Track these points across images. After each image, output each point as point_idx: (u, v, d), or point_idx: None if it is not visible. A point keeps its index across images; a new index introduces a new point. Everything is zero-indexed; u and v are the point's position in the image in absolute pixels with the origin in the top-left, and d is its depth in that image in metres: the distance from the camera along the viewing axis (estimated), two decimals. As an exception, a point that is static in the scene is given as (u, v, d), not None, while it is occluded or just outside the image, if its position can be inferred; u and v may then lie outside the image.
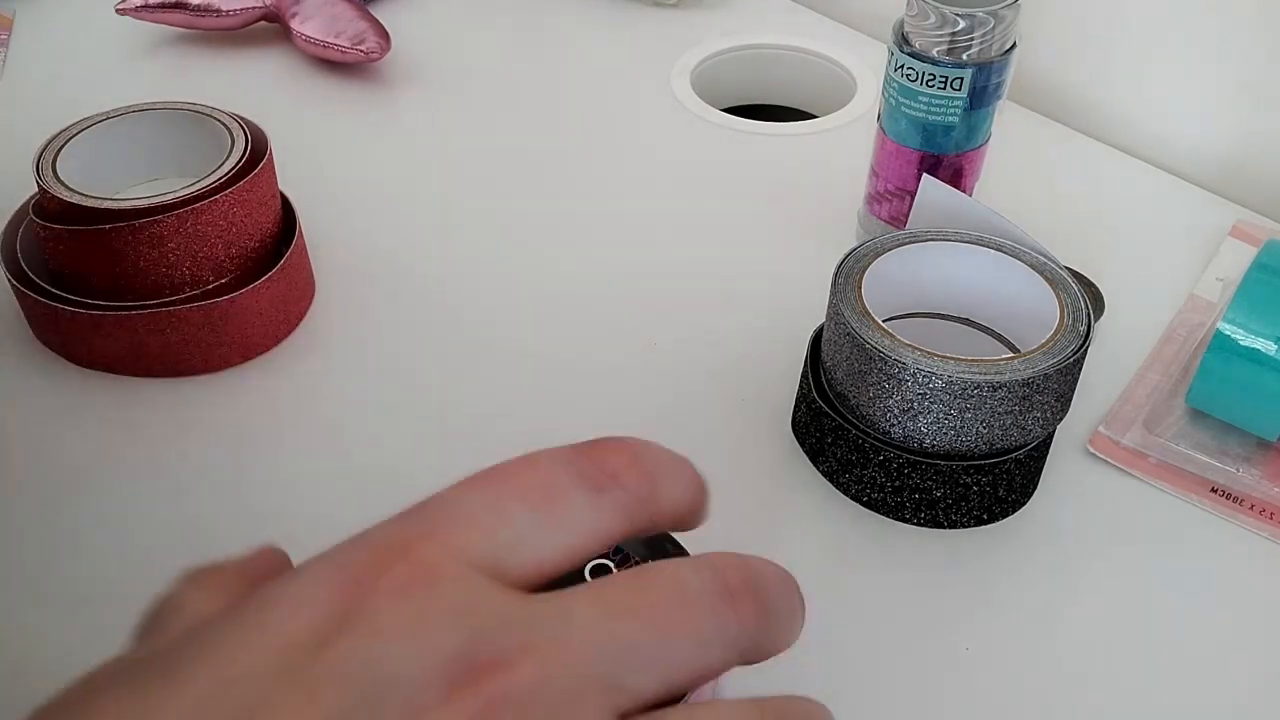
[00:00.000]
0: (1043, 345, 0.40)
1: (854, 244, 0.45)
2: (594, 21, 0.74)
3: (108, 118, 0.50)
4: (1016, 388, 0.39)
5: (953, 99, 0.48)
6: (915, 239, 0.44)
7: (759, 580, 0.25)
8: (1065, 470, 0.44)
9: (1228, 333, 0.42)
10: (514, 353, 0.49)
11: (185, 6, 0.68)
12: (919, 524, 0.42)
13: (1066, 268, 0.44)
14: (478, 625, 0.22)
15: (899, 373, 0.39)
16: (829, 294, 0.42)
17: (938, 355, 0.39)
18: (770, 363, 0.49)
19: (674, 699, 0.23)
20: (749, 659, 0.24)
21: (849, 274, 0.43)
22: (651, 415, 0.47)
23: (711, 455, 0.45)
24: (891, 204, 0.52)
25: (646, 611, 0.23)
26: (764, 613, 0.24)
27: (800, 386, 0.45)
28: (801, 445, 0.45)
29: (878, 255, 0.43)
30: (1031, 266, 0.43)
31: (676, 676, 0.23)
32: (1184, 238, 0.56)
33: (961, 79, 0.47)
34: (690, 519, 0.27)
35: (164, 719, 0.20)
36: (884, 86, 0.50)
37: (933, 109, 0.48)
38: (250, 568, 0.27)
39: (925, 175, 0.46)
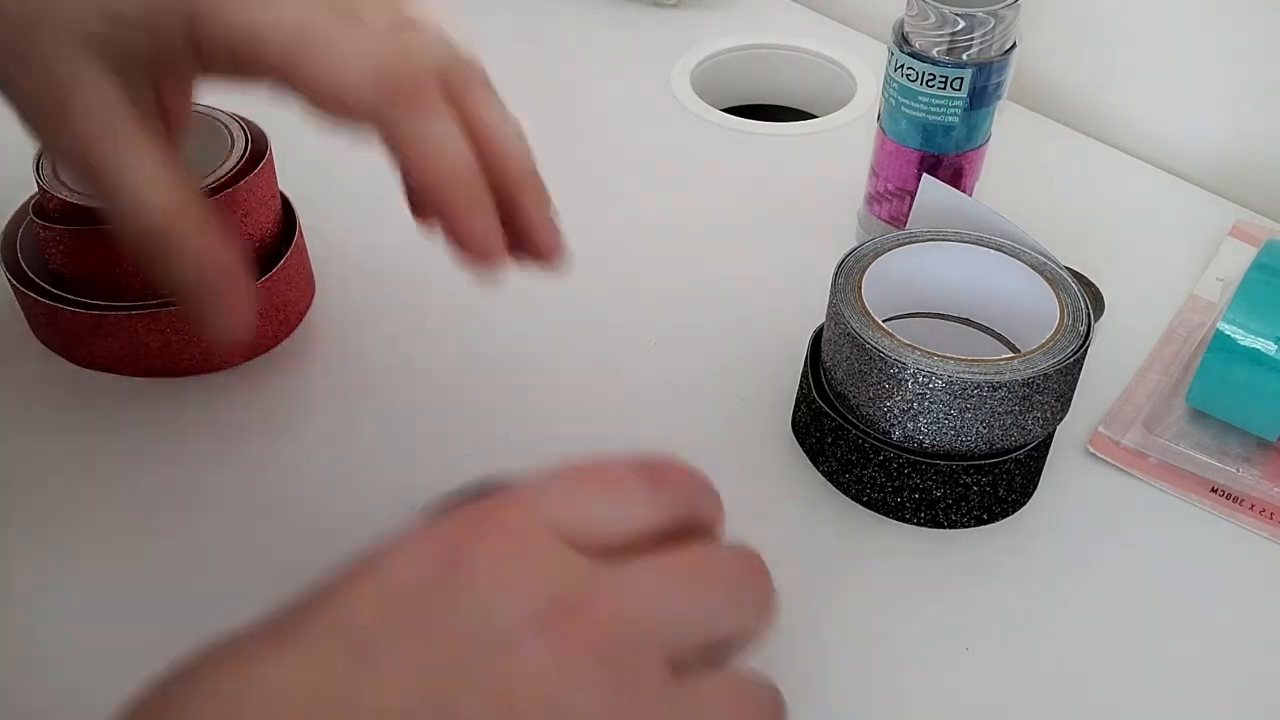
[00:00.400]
0: (1043, 345, 0.40)
1: (854, 244, 0.45)
2: (594, 21, 0.74)
3: (108, 118, 0.50)
4: (1016, 388, 0.39)
5: (953, 99, 0.48)
6: (915, 239, 0.44)
7: (761, 562, 0.30)
8: (1065, 470, 0.44)
9: (1228, 333, 0.42)
10: (514, 352, 0.49)
11: (185, 6, 0.68)
12: (919, 524, 0.42)
13: (1066, 268, 0.44)
14: (561, 575, 0.26)
15: (899, 373, 0.39)
16: (829, 294, 0.42)
17: (938, 355, 0.39)
18: (770, 363, 0.49)
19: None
20: (760, 628, 0.29)
21: (849, 274, 0.43)
22: (651, 415, 0.47)
23: (711, 455, 0.45)
24: (891, 204, 0.52)
25: (692, 576, 0.28)
26: (770, 587, 0.29)
27: (800, 386, 0.45)
28: (801, 445, 0.45)
29: (878, 255, 0.43)
30: (1031, 266, 0.43)
31: (716, 631, 0.28)
32: (1184, 238, 0.56)
33: (961, 79, 0.47)
34: (716, 529, 0.31)
35: (285, 659, 0.24)
36: (884, 86, 0.50)
37: (933, 109, 0.48)
38: None
39: (925, 175, 0.46)
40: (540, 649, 0.25)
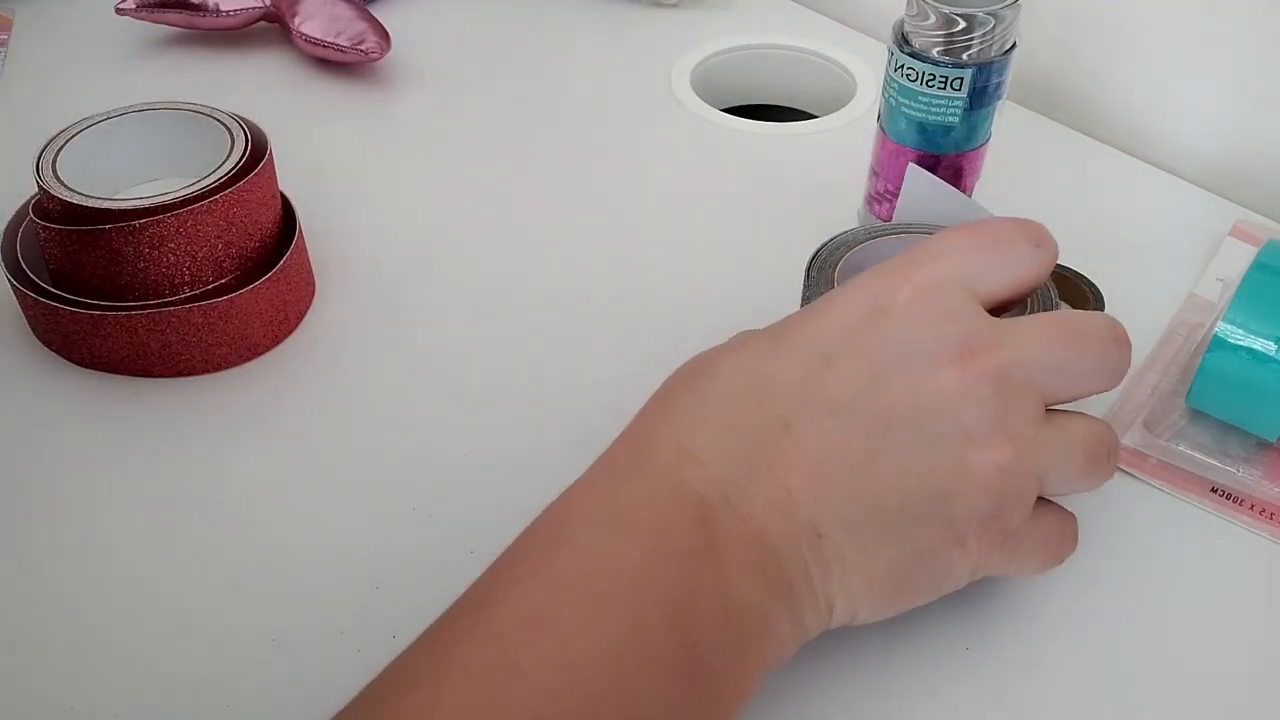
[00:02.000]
0: None
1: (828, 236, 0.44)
2: (594, 21, 0.74)
3: (108, 118, 0.50)
4: None
5: (953, 99, 0.48)
6: (890, 231, 0.44)
7: (1123, 331, 0.36)
8: (1065, 470, 0.44)
9: (1227, 333, 0.42)
10: (514, 352, 0.49)
11: (185, 6, 0.68)
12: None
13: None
14: (970, 323, 0.34)
15: None
16: (802, 287, 0.42)
17: None
18: (770, 363, 0.49)
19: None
20: (1111, 387, 0.36)
21: (822, 267, 0.43)
22: (651, 415, 0.46)
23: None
24: (891, 204, 0.52)
25: (1073, 337, 0.35)
26: (1128, 354, 0.36)
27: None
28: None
29: (851, 248, 0.43)
30: None
31: (1082, 385, 0.35)
32: (1184, 238, 0.56)
33: (961, 79, 0.47)
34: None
35: (772, 359, 0.35)
36: (884, 86, 0.50)
37: (932, 109, 0.48)
38: None
39: (910, 165, 0.46)
40: (951, 375, 0.33)
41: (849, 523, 0.32)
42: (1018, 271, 0.36)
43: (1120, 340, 0.36)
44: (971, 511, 0.33)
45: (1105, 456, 0.36)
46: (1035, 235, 0.37)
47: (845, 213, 0.56)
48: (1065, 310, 0.37)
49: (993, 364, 0.33)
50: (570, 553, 0.31)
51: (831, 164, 0.61)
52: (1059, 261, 0.43)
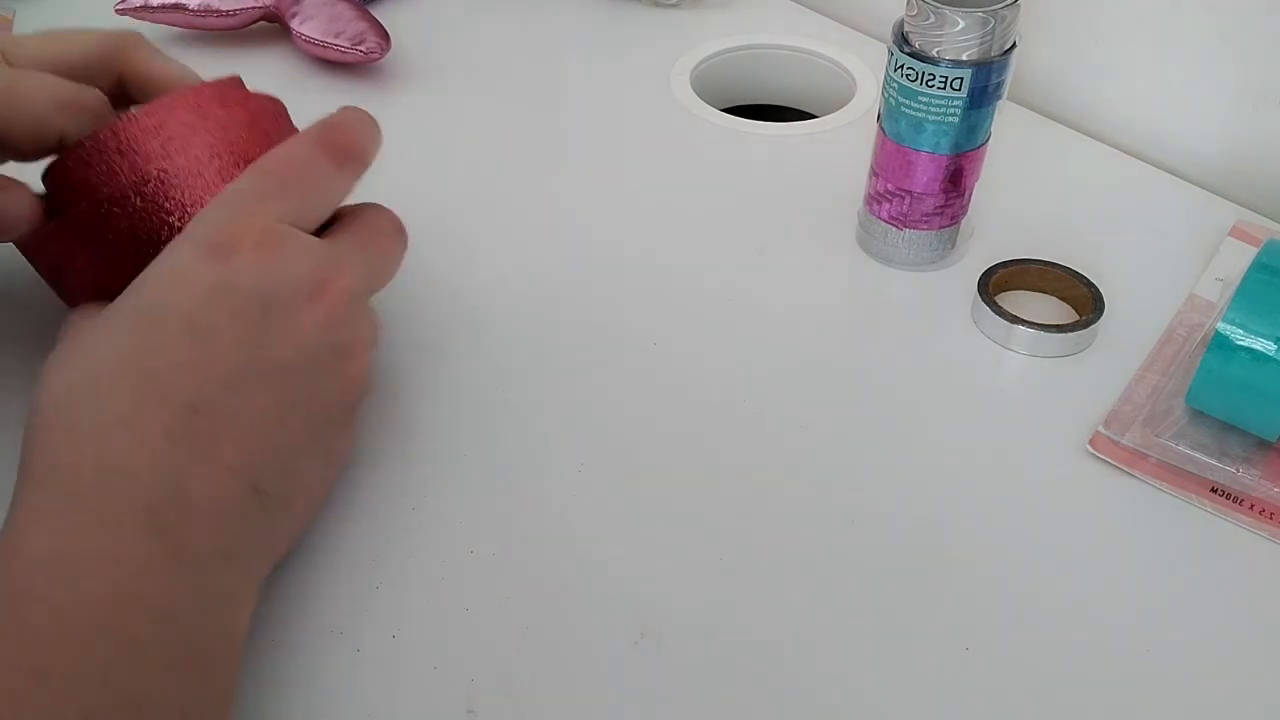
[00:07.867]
0: None
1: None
2: (594, 21, 0.74)
3: (108, 118, 0.50)
4: None
5: (953, 99, 0.48)
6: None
7: (399, 223, 0.44)
8: (1065, 470, 0.44)
9: (1227, 333, 0.42)
10: (512, 352, 0.49)
11: (185, 7, 0.68)
12: (919, 524, 0.42)
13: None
14: (316, 258, 0.37)
15: None
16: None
17: None
18: (769, 363, 0.49)
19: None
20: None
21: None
22: (650, 415, 0.47)
23: (710, 456, 0.45)
24: (891, 204, 0.52)
25: (376, 239, 0.41)
26: (406, 242, 0.44)
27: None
28: (801, 445, 0.45)
29: None
30: None
31: (389, 273, 0.42)
32: (1184, 238, 0.56)
33: (961, 79, 0.47)
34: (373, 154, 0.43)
35: (147, 351, 0.35)
36: (884, 86, 0.50)
37: (933, 109, 0.48)
38: None
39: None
40: (314, 311, 0.37)
41: (283, 470, 0.36)
42: (332, 198, 0.40)
43: (400, 229, 0.42)
44: (350, 402, 0.40)
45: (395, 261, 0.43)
46: (335, 155, 0.39)
47: (845, 213, 0.56)
48: (353, 209, 0.41)
49: (341, 289, 0.38)
50: (36, 606, 0.30)
51: (831, 164, 0.61)
52: (1059, 261, 0.43)
